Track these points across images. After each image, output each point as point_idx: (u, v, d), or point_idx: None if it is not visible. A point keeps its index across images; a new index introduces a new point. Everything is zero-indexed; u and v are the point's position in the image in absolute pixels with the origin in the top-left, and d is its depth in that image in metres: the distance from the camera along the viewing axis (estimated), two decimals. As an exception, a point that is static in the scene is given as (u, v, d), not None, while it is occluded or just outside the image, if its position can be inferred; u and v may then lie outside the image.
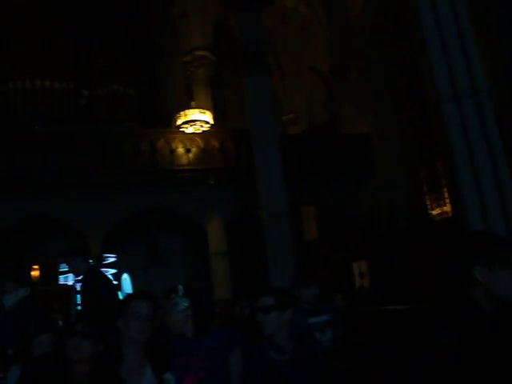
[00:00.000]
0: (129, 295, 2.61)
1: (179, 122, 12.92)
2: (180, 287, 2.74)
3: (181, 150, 13.28)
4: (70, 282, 16.75)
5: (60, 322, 7.60)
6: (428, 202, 14.63)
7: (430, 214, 14.48)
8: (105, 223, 13.65)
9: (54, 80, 15.65)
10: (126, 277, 15.76)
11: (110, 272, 15.59)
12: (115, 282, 15.61)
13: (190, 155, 13.34)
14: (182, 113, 12.91)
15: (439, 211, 14.31)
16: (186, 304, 2.69)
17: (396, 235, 14.03)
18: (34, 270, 16.70)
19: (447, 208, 14.00)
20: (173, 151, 13.25)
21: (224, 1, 11.65)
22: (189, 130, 12.94)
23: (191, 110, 12.96)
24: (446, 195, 14.01)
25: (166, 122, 14.57)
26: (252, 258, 14.91)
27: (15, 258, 15.74)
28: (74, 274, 5.13)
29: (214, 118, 13.67)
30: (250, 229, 14.08)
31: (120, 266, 16.04)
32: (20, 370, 3.67)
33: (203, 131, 13.17)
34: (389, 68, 14.92)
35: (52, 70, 15.67)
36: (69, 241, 14.86)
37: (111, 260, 15.93)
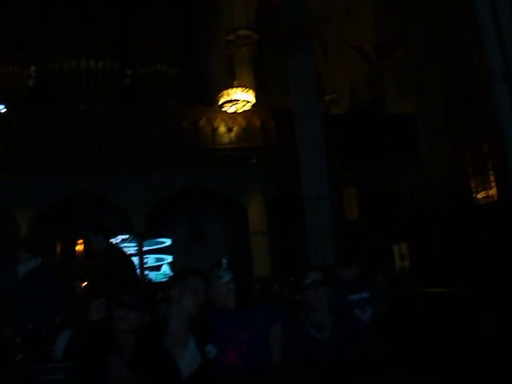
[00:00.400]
0: (185, 271, 2.67)
1: (221, 101, 12.94)
2: (224, 261, 2.80)
3: (223, 129, 13.35)
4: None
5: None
6: (473, 185, 14.29)
7: (475, 197, 14.15)
8: (147, 201, 13.91)
9: (98, 60, 15.88)
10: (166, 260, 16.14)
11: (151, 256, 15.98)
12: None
13: (232, 134, 13.39)
14: (224, 92, 12.92)
15: (484, 195, 13.96)
16: (229, 277, 2.74)
17: (439, 218, 13.78)
18: (79, 244, 17.21)
19: (493, 191, 13.64)
20: (215, 130, 13.33)
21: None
22: (231, 109, 12.96)
23: (233, 89, 12.95)
24: (492, 178, 13.64)
25: (209, 101, 14.62)
26: (291, 237, 14.98)
27: (61, 233, 16.29)
28: (94, 249, 5.30)
29: (256, 97, 13.64)
30: (290, 208, 14.10)
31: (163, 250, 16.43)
32: (69, 337, 3.81)
33: (245, 110, 13.16)
34: (434, 46, 14.53)
35: (97, 49, 15.90)
36: (112, 217, 15.28)
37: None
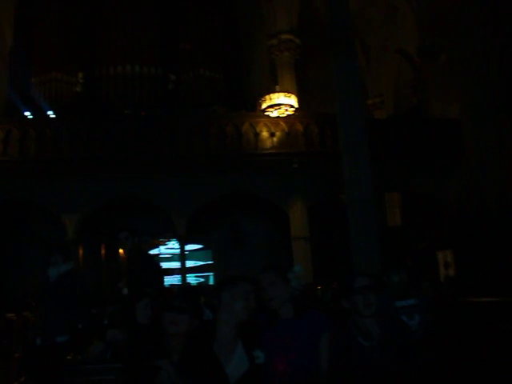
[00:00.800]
0: (235, 277, 2.67)
1: (264, 105, 12.97)
2: (298, 267, 2.79)
3: (265, 133, 13.37)
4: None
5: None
6: (524, 190, 13.83)
7: (526, 202, 13.68)
8: (190, 205, 14.07)
9: (143, 65, 16.15)
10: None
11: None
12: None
13: (274, 139, 13.40)
14: (266, 96, 12.95)
15: (536, 200, 13.49)
16: (296, 284, 2.73)
17: (487, 224, 13.39)
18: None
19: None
20: (257, 135, 13.36)
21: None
22: (273, 113, 12.96)
23: (276, 94, 12.95)
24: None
25: (251, 105, 14.70)
26: (333, 243, 14.86)
27: (106, 236, 16.61)
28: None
29: (298, 102, 13.62)
30: (332, 213, 14.00)
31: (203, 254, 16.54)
32: (115, 337, 3.86)
33: (287, 115, 13.15)
34: (482, 47, 14.18)
35: (142, 55, 16.18)
36: (155, 221, 15.51)
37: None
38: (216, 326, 2.60)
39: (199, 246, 16.97)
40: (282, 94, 12.94)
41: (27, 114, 14.59)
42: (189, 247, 15.65)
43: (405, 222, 17.52)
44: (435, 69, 15.45)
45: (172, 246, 16.56)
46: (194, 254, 16.82)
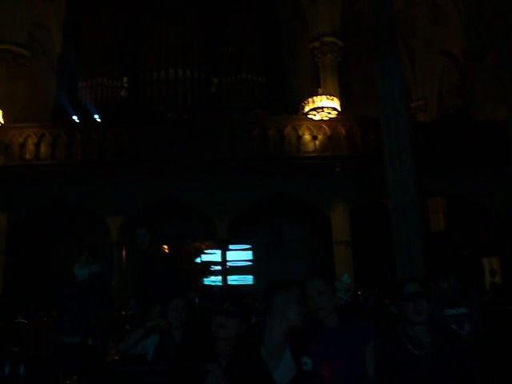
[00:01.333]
0: (286, 281, 2.66)
1: (306, 108, 12.91)
2: (346, 276, 2.76)
3: (307, 136, 13.35)
4: (198, 261, 17.64)
5: (196, 300, 7.98)
6: None
7: None
8: (231, 209, 14.14)
9: (186, 69, 16.32)
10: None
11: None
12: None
13: (317, 142, 13.35)
14: (309, 99, 12.89)
15: None
16: (343, 296, 2.71)
17: (535, 230, 13.00)
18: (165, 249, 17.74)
19: None
20: (299, 138, 13.35)
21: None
22: (316, 116, 12.90)
23: (319, 97, 12.87)
24: None
25: (293, 108, 14.65)
26: (375, 248, 14.65)
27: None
28: (140, 249, 5.43)
29: (341, 105, 13.50)
30: (374, 218, 13.82)
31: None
32: (157, 340, 3.90)
33: (330, 118, 13.07)
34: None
35: (185, 59, 16.34)
36: (196, 224, 15.65)
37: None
38: (265, 330, 2.59)
39: (240, 247, 16.99)
40: (324, 97, 12.85)
41: (74, 117, 14.98)
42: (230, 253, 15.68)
43: (449, 227, 17.14)
44: (481, 70, 15.07)
45: (213, 250, 16.66)
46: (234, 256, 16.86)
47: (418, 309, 2.67)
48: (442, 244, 16.34)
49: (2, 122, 12.75)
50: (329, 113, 12.75)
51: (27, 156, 13.28)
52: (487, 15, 14.39)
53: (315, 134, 13.33)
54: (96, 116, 15.13)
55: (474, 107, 15.59)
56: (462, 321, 4.02)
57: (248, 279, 16.82)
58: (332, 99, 12.81)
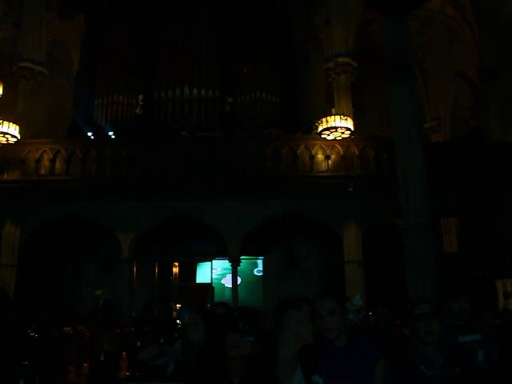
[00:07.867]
0: (297, 299, 2.65)
1: (320, 128, 12.96)
2: (358, 296, 2.75)
3: (320, 156, 13.38)
4: (208, 280, 17.64)
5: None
6: None
7: None
8: (243, 226, 14.14)
9: (201, 88, 16.51)
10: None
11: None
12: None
13: (330, 162, 13.38)
14: (323, 119, 12.94)
15: None
16: (354, 316, 2.69)
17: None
18: (175, 267, 17.78)
19: None
20: (312, 157, 13.39)
21: (370, 5, 11.43)
22: (329, 136, 12.94)
23: (332, 117, 12.92)
24: None
25: (306, 128, 14.72)
26: (387, 268, 14.56)
27: (159, 255, 16.93)
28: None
29: (354, 125, 13.55)
30: (387, 238, 13.76)
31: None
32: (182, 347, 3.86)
33: (343, 138, 13.10)
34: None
35: (200, 78, 16.55)
36: (208, 242, 15.70)
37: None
38: (277, 349, 2.59)
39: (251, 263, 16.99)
40: (338, 117, 12.90)
41: (90, 134, 15.16)
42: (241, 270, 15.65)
43: (462, 248, 17.01)
44: (495, 91, 15.08)
45: (221, 267, 16.68)
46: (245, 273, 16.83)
47: (430, 329, 2.66)
48: (455, 265, 16.20)
49: (19, 137, 12.93)
50: (342, 132, 12.79)
51: (42, 171, 13.43)
52: (501, 36, 14.44)
53: (328, 153, 13.36)
54: (111, 133, 15.31)
55: (487, 128, 15.55)
56: (475, 348, 3.93)
57: (258, 297, 16.76)
58: (346, 119, 12.85)
